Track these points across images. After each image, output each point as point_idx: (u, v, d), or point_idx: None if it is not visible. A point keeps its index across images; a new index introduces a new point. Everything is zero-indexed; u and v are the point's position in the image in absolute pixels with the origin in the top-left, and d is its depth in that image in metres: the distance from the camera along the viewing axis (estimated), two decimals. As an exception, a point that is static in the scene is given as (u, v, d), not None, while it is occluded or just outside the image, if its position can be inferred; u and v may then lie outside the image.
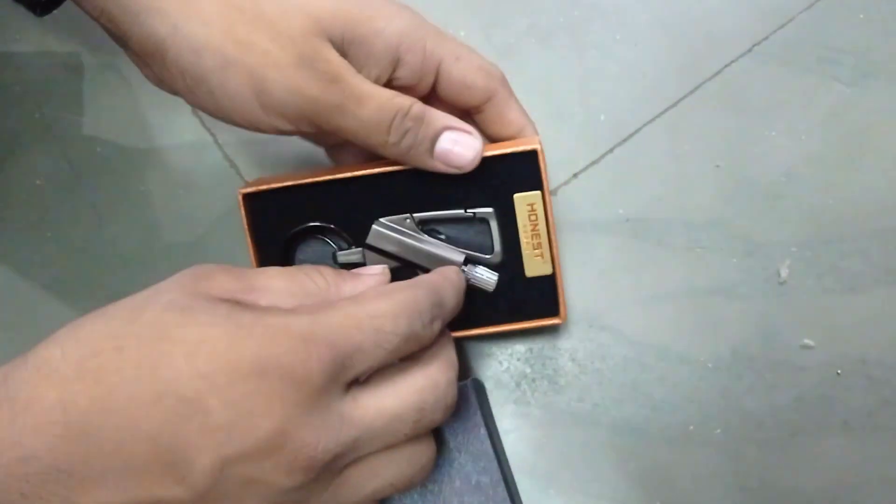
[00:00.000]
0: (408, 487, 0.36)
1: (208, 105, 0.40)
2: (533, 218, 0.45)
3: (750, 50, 0.55)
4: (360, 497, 0.34)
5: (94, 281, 0.56)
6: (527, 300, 0.46)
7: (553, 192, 0.54)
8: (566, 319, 0.46)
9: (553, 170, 0.53)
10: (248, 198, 0.46)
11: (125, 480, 0.29)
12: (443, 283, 0.38)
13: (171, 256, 0.56)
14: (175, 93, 0.41)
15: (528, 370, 0.51)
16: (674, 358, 0.50)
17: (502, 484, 0.46)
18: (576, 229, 0.53)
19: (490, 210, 0.45)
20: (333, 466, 0.32)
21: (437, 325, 0.36)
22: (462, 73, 0.43)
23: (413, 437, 0.35)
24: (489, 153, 0.44)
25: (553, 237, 0.45)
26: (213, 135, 0.58)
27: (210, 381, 0.29)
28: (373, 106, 0.39)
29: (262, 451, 0.29)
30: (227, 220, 0.56)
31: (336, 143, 0.48)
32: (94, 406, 0.29)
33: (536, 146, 0.44)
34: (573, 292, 0.52)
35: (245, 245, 0.55)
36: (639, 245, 0.52)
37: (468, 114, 0.46)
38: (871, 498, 0.47)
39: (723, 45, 0.55)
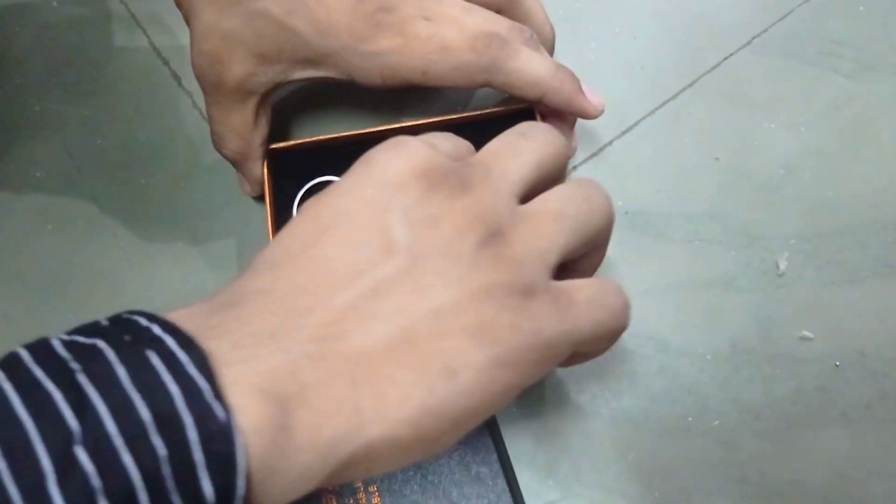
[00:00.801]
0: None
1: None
2: None
3: (750, 42, 0.55)
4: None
5: (95, 273, 0.56)
6: None
7: (552, 185, 0.54)
8: None
9: (553, 162, 0.53)
10: (273, 154, 0.50)
11: None
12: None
13: (173, 249, 0.56)
14: None
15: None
16: (673, 350, 0.50)
17: (501, 475, 0.46)
18: (575, 222, 0.53)
19: None
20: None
21: None
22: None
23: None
24: (483, 112, 0.50)
25: None
26: (213, 127, 0.58)
27: None
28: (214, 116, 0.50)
29: None
30: (230, 211, 0.56)
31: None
32: None
33: (531, 105, 0.49)
34: (572, 284, 0.52)
35: (251, 240, 0.55)
36: (638, 238, 0.52)
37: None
38: (871, 490, 0.47)
39: (722, 37, 0.55)
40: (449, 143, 0.35)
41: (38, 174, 0.59)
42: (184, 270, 0.55)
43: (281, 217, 0.50)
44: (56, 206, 0.58)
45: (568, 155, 0.37)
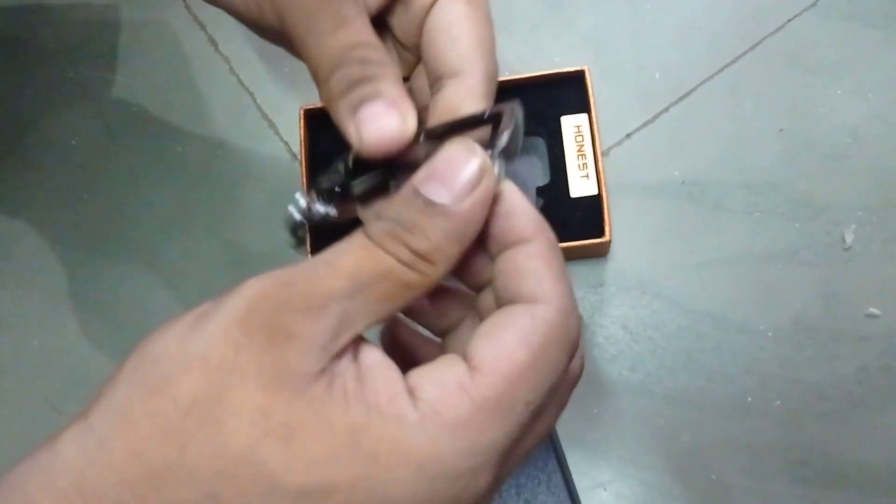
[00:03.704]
0: None
1: None
2: (579, 139, 0.47)
3: (814, 4, 0.52)
4: None
5: (130, 243, 0.55)
6: (572, 221, 0.47)
7: (605, 153, 0.51)
8: (611, 239, 0.46)
9: (605, 130, 0.51)
10: (308, 115, 0.49)
11: None
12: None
13: (208, 218, 0.55)
14: None
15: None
16: (731, 327, 0.48)
17: (553, 454, 0.44)
18: (629, 192, 0.51)
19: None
20: None
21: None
22: (455, 16, 0.31)
23: None
24: (534, 75, 0.47)
25: (599, 157, 0.47)
26: (251, 93, 0.56)
27: None
28: (342, 37, 0.29)
29: None
30: (265, 180, 0.54)
31: None
32: None
33: (583, 67, 0.47)
34: (625, 258, 0.50)
35: (285, 207, 0.53)
36: (695, 209, 0.50)
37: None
38: (934, 473, 0.45)
39: (786, -3, 0.52)
40: None
41: (73, 142, 0.57)
42: (221, 241, 0.54)
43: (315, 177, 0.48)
44: (91, 174, 0.57)
45: None
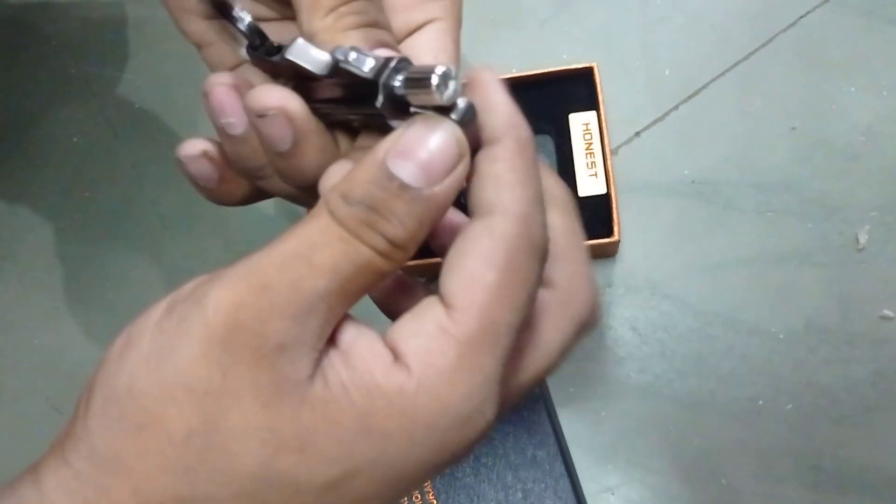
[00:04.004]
0: None
1: None
2: (588, 137, 0.47)
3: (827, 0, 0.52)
4: None
5: (133, 241, 0.55)
6: (580, 220, 0.45)
7: (614, 152, 0.51)
8: (620, 239, 0.46)
9: (614, 128, 0.50)
10: None
11: None
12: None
13: (211, 216, 0.54)
14: None
15: (586, 339, 0.49)
16: (742, 329, 0.47)
17: (560, 458, 0.44)
18: (638, 191, 0.50)
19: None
20: None
21: None
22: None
23: None
24: (544, 71, 0.47)
25: (608, 156, 0.46)
26: (255, 91, 0.56)
27: None
28: None
29: None
30: (270, 179, 0.54)
31: None
32: None
33: (592, 64, 0.47)
34: (634, 258, 0.49)
35: (288, 205, 0.53)
36: (705, 209, 0.49)
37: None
38: (949, 479, 0.44)
39: (799, -7, 0.52)
40: None
41: (75, 139, 0.57)
42: (224, 239, 0.54)
43: None
44: (94, 171, 0.56)
45: None
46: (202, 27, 0.32)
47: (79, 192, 0.56)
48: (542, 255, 0.23)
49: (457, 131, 0.22)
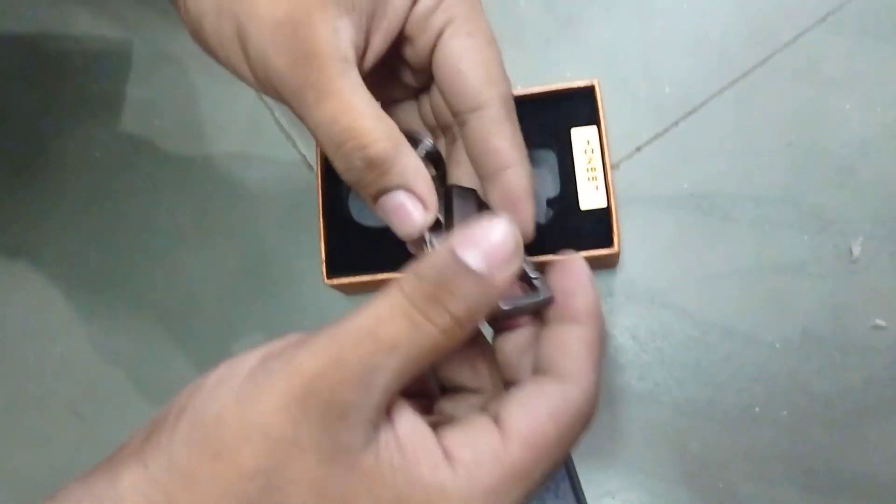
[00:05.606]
0: None
1: (210, 50, 0.34)
2: (589, 152, 0.48)
3: (824, 19, 0.53)
4: None
5: (152, 254, 0.56)
6: (581, 232, 0.48)
7: (615, 166, 0.52)
8: (620, 250, 0.47)
9: (615, 143, 0.52)
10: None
11: None
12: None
13: (227, 227, 0.56)
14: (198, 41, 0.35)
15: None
16: (739, 337, 0.49)
17: (561, 464, 0.45)
18: (638, 204, 0.51)
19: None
20: None
21: None
22: (459, 53, 0.33)
23: None
24: (546, 89, 0.49)
25: (609, 170, 0.48)
26: (269, 108, 0.57)
27: None
28: (328, 111, 0.30)
29: None
30: (283, 191, 0.55)
31: None
32: None
33: (593, 82, 0.48)
34: (634, 269, 0.51)
35: (302, 218, 0.54)
36: (704, 221, 0.50)
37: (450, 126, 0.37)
38: (943, 484, 0.46)
39: (795, 13, 0.53)
40: None
41: (97, 154, 0.59)
42: (240, 250, 0.55)
43: (330, 189, 0.50)
44: (114, 186, 0.58)
45: None
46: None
47: (99, 205, 0.58)
48: (589, 423, 0.28)
49: (514, 229, 0.26)
